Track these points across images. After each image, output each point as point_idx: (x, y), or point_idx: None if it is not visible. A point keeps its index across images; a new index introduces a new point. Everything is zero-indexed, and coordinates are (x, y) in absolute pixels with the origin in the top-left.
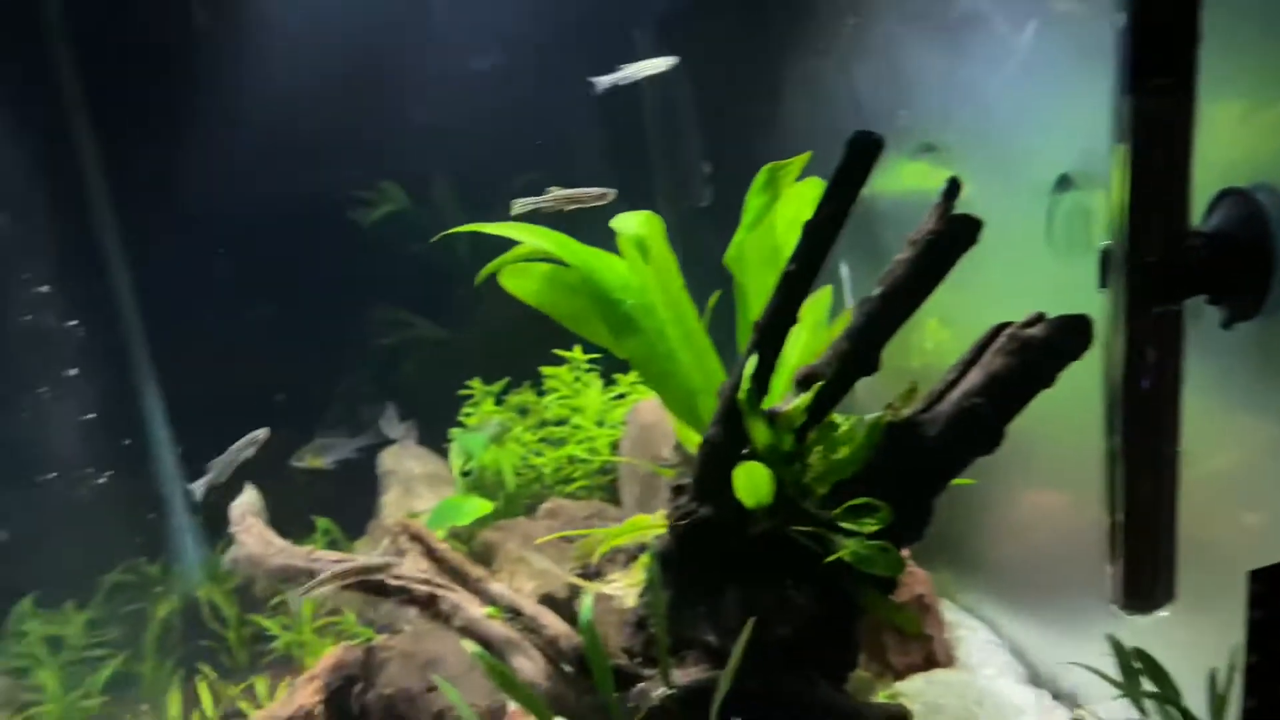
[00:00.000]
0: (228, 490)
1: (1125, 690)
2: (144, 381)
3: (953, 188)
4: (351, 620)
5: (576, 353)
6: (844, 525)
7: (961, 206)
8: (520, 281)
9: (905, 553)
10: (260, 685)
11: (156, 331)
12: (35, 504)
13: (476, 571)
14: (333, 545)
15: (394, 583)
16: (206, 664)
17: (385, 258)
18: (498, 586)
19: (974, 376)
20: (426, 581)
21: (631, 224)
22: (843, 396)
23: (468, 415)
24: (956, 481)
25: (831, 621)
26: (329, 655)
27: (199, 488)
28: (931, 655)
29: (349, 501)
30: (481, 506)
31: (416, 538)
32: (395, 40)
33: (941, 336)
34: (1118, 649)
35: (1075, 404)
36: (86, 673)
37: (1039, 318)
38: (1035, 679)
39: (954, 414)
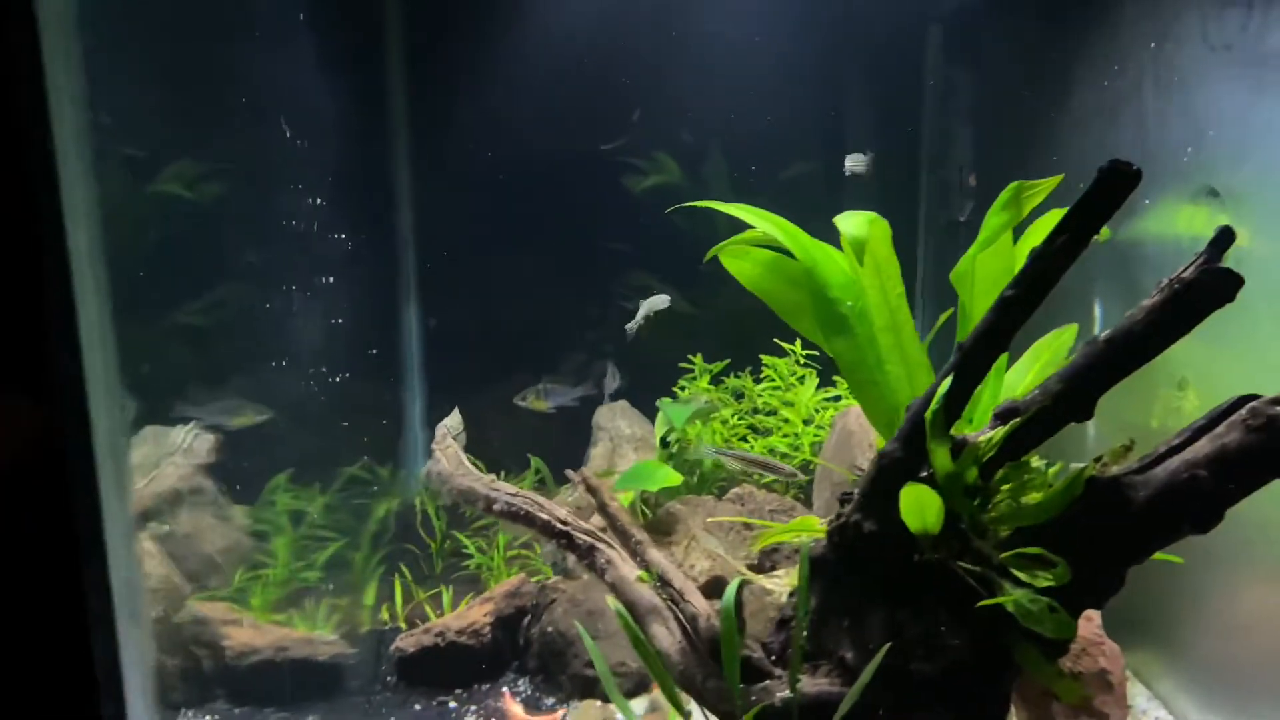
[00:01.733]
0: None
1: None
2: (405, 303)
3: (1223, 236)
4: (539, 558)
5: (797, 346)
6: (1016, 574)
7: (1238, 261)
8: (741, 264)
9: (1095, 624)
10: (446, 595)
11: (426, 261)
12: (291, 392)
13: (639, 535)
14: (540, 485)
15: (559, 526)
16: (407, 566)
17: (650, 226)
18: (655, 553)
19: (1202, 446)
20: (590, 533)
21: (852, 224)
22: (1044, 439)
23: (681, 388)
24: (1158, 557)
25: (981, 671)
26: (506, 582)
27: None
28: None
29: (565, 448)
30: (671, 477)
31: (592, 490)
32: (693, 28)
33: (1194, 403)
34: None
35: None
36: (315, 548)
37: None
38: None
39: (1169, 481)
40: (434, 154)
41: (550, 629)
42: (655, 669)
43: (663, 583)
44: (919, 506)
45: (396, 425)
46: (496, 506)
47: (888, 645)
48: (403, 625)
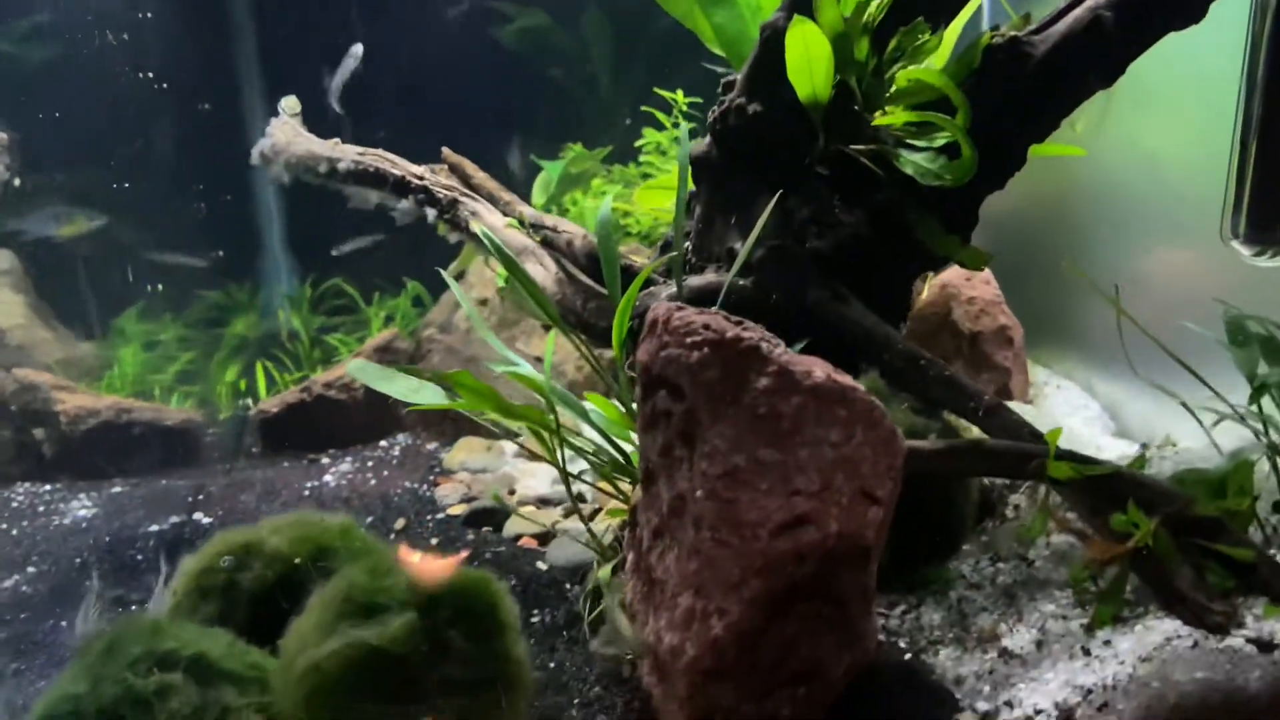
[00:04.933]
0: None
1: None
2: (255, 118)
3: None
4: None
5: (679, 96)
6: (912, 142)
7: None
8: None
9: (994, 287)
10: (316, 373)
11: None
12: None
13: (508, 196)
14: (417, 301)
15: (415, 180)
16: (271, 362)
17: (523, 77)
18: (526, 207)
19: None
20: (451, 188)
21: None
22: (944, 11)
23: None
24: (1063, 150)
25: (879, 245)
26: (376, 337)
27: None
28: (1005, 390)
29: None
30: None
31: (454, 166)
32: None
33: None
34: (1235, 321)
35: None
36: (166, 366)
37: None
38: (1127, 435)
39: (1070, 29)
40: None
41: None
42: (534, 295)
43: (536, 226)
44: (806, 58)
45: (254, 247)
46: (342, 166)
47: (774, 201)
48: None
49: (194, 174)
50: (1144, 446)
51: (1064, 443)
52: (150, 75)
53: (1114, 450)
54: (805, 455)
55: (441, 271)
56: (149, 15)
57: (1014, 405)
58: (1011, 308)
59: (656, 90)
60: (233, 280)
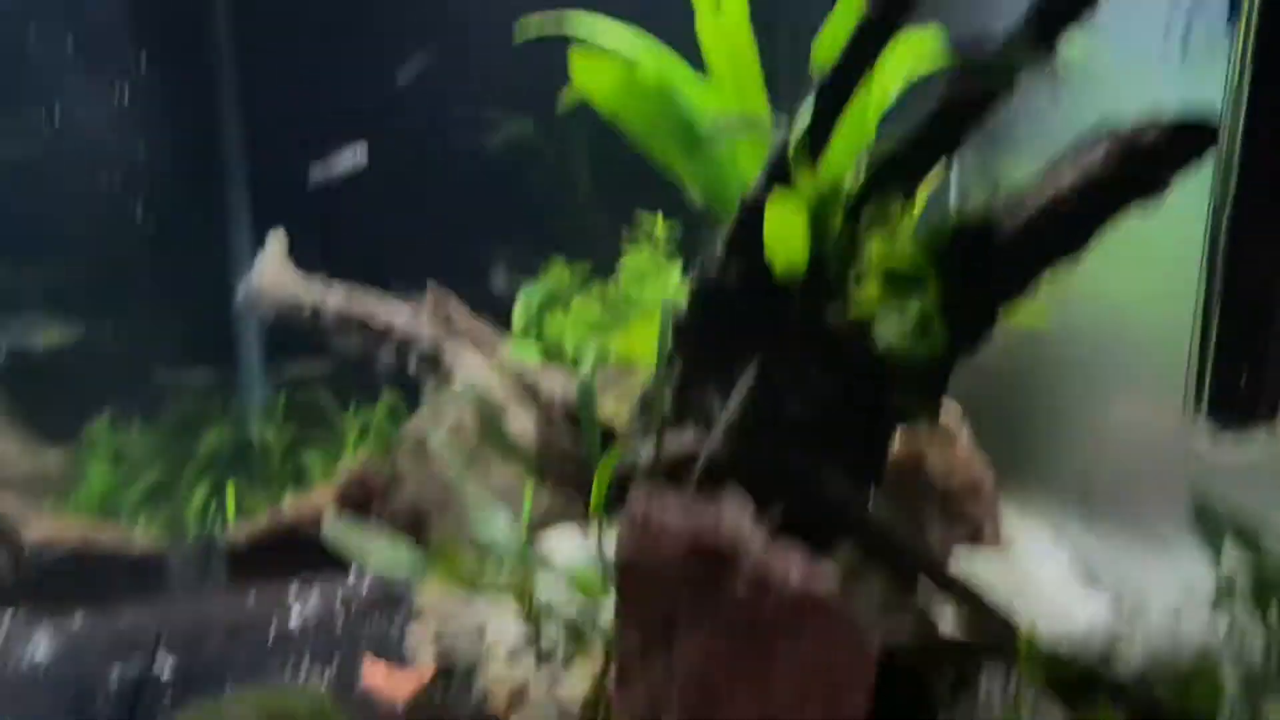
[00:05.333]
0: None
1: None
2: (237, 228)
3: None
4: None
5: (659, 222)
6: (885, 312)
7: None
8: (594, 77)
9: (963, 440)
10: (288, 497)
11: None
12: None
13: (491, 340)
14: (392, 413)
15: (400, 328)
16: (242, 480)
17: (505, 186)
18: (511, 358)
19: (1066, 175)
20: (437, 336)
21: None
22: (915, 181)
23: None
24: (1029, 321)
25: (855, 413)
26: (352, 468)
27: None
28: (978, 536)
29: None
30: (530, 353)
31: (437, 303)
32: None
33: None
34: (1202, 510)
35: (1162, 303)
36: (136, 479)
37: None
38: (1097, 581)
39: (1035, 213)
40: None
41: (411, 496)
42: (510, 451)
43: (519, 375)
44: (783, 231)
45: (229, 355)
46: (327, 315)
47: (755, 367)
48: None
49: (169, 280)
50: (1117, 598)
51: (1034, 596)
52: (127, 179)
53: (1083, 601)
54: (781, 662)
55: (430, 432)
56: (129, 111)
57: (985, 553)
58: (981, 450)
59: (639, 212)
60: (206, 388)
